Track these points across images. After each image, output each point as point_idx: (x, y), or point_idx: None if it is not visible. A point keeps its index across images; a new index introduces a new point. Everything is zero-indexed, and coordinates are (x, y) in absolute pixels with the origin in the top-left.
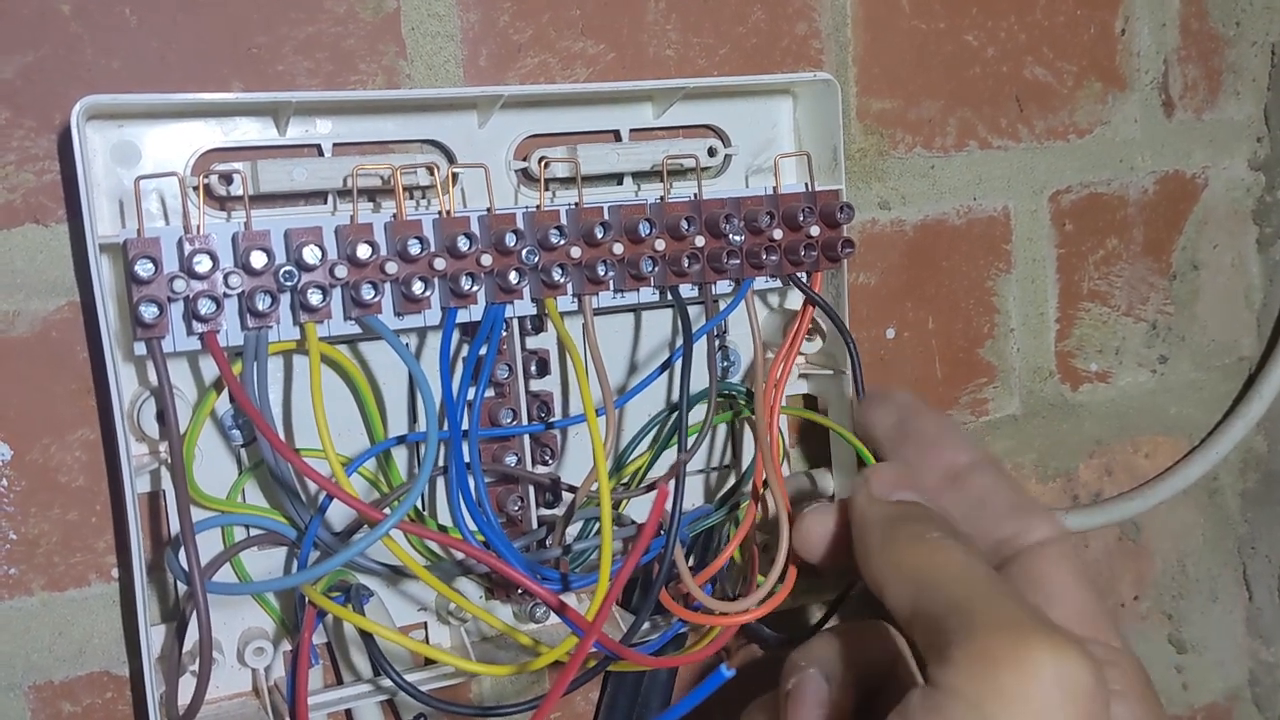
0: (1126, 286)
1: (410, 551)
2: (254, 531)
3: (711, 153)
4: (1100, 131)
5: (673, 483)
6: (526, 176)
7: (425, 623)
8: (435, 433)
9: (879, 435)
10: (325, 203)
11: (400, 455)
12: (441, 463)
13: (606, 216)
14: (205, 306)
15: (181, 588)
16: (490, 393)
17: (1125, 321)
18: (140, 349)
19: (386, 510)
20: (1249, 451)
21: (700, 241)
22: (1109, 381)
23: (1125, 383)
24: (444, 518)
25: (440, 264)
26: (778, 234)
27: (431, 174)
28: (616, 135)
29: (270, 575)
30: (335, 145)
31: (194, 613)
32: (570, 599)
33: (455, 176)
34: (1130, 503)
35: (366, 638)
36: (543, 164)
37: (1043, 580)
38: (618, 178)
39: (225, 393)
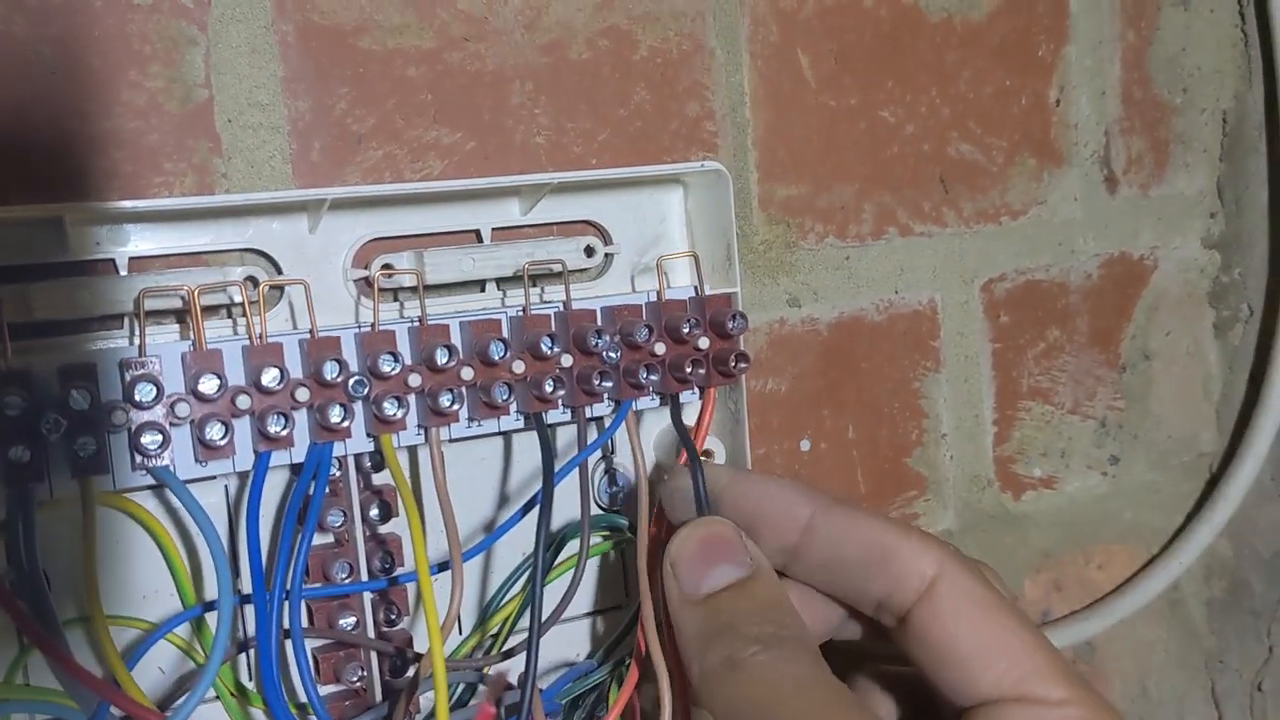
0: (1071, 381)
1: None
2: (39, 719)
3: (589, 252)
4: (1036, 212)
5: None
6: (368, 286)
7: None
8: (229, 599)
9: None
10: (121, 326)
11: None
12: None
13: (455, 335)
14: None
15: None
16: (327, 540)
17: (1071, 420)
18: None
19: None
20: (1213, 557)
21: (567, 361)
22: (1055, 487)
23: (1073, 488)
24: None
25: (244, 402)
26: (659, 349)
27: (243, 291)
28: (478, 235)
29: None
30: (131, 260)
31: None
32: None
33: (282, 291)
34: (1084, 622)
35: None
36: (380, 274)
37: (948, 636)
38: (479, 284)
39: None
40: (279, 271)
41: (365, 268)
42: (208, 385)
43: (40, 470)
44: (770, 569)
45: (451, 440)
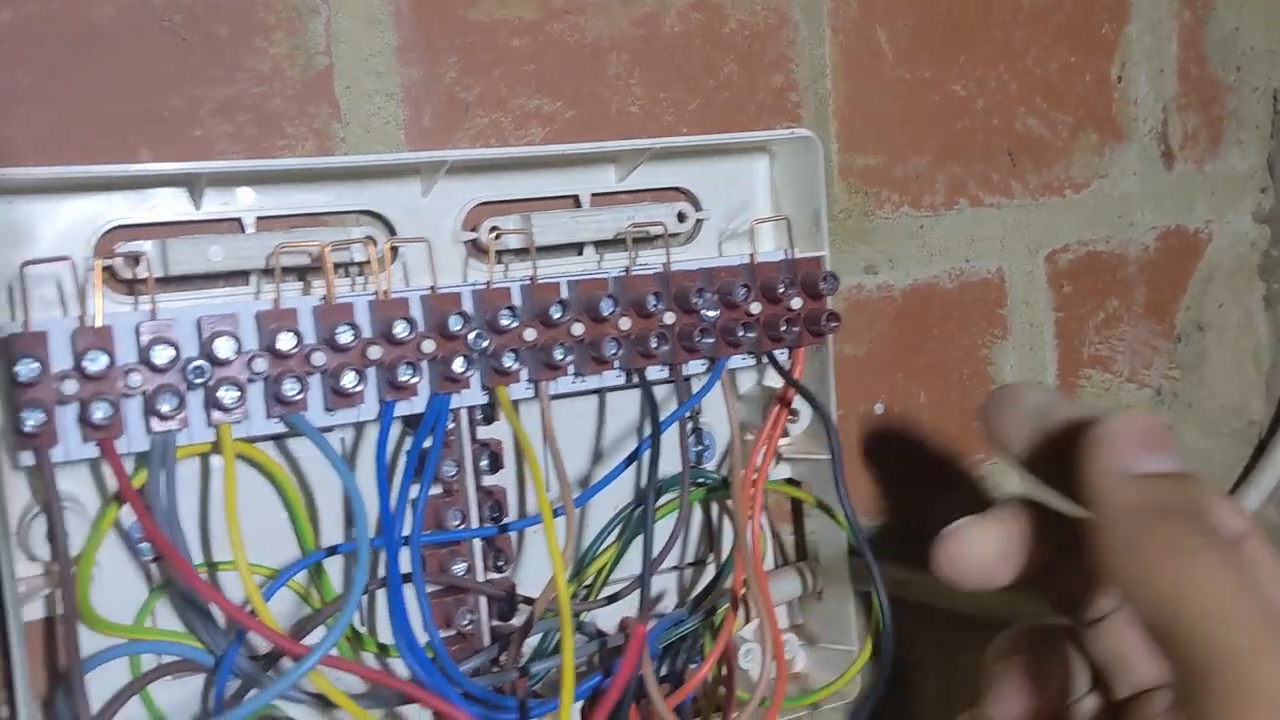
0: (1129, 351)
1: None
2: (166, 659)
3: (681, 218)
4: (1098, 185)
5: (648, 622)
6: (476, 248)
7: None
8: (367, 542)
9: (1017, 453)
10: (248, 283)
11: (337, 564)
12: (381, 573)
13: (564, 293)
14: (99, 411)
15: None
16: (437, 491)
17: (1128, 388)
18: (28, 459)
19: (316, 635)
20: (1261, 522)
21: (669, 319)
22: None
23: None
24: (386, 634)
25: (375, 352)
26: (755, 308)
27: (368, 249)
28: (576, 201)
29: (184, 708)
30: (259, 219)
31: None
32: None
33: (395, 251)
34: None
35: None
36: (494, 235)
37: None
38: (578, 247)
39: None
40: (392, 233)
41: (473, 230)
42: (343, 336)
43: (185, 417)
44: (1205, 476)
45: (555, 398)
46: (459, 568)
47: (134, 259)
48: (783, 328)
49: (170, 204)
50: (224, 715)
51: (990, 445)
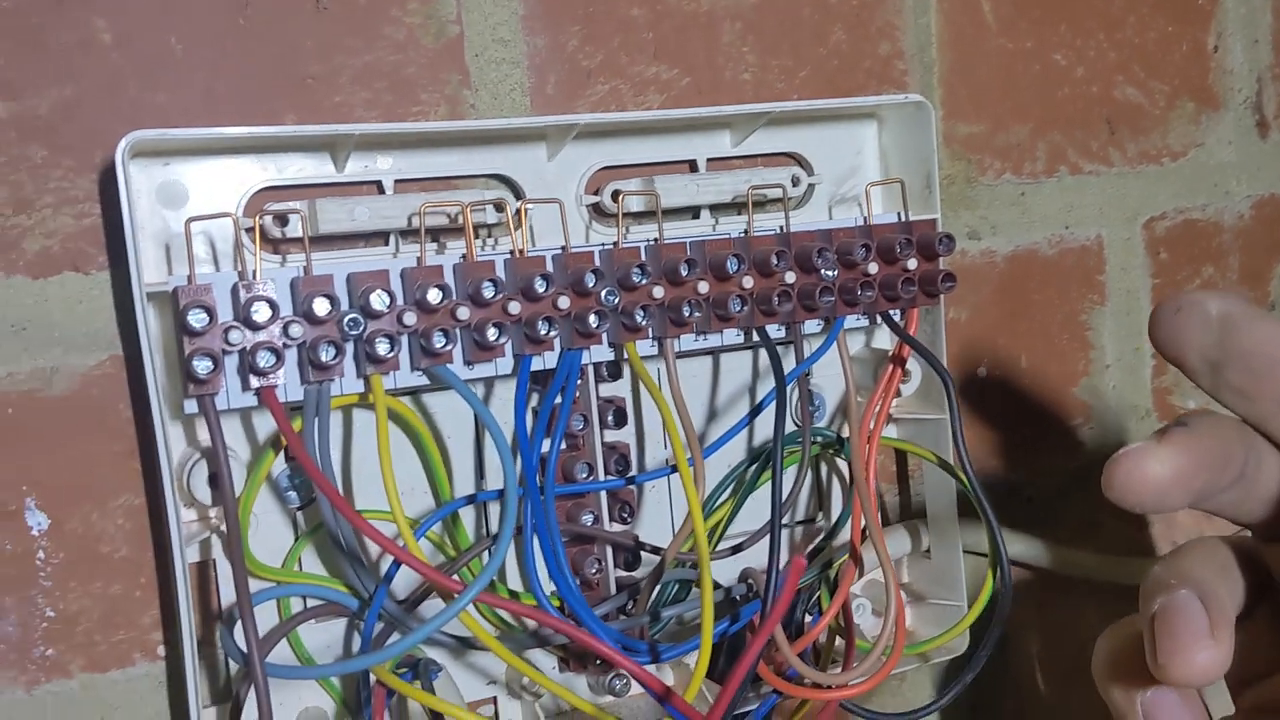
0: None
1: (480, 622)
2: (311, 602)
3: (794, 182)
4: (1194, 154)
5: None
6: (598, 211)
7: (495, 697)
8: (515, 491)
9: (1193, 363)
10: (385, 244)
11: (466, 516)
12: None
13: (690, 252)
14: (264, 359)
15: (234, 666)
16: (562, 445)
17: None
18: (191, 406)
19: (456, 577)
20: None
21: (791, 278)
22: None
23: None
24: (513, 582)
25: (515, 308)
26: (873, 268)
27: (499, 211)
28: (692, 165)
29: (329, 649)
30: (397, 182)
31: (250, 695)
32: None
33: (524, 213)
34: None
35: (436, 718)
36: (619, 198)
37: None
38: (693, 211)
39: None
40: (519, 196)
41: (595, 193)
42: (486, 291)
43: (340, 367)
44: None
45: (678, 355)
46: (586, 519)
47: (282, 219)
48: (899, 288)
49: (314, 167)
50: (384, 651)
51: (1167, 361)
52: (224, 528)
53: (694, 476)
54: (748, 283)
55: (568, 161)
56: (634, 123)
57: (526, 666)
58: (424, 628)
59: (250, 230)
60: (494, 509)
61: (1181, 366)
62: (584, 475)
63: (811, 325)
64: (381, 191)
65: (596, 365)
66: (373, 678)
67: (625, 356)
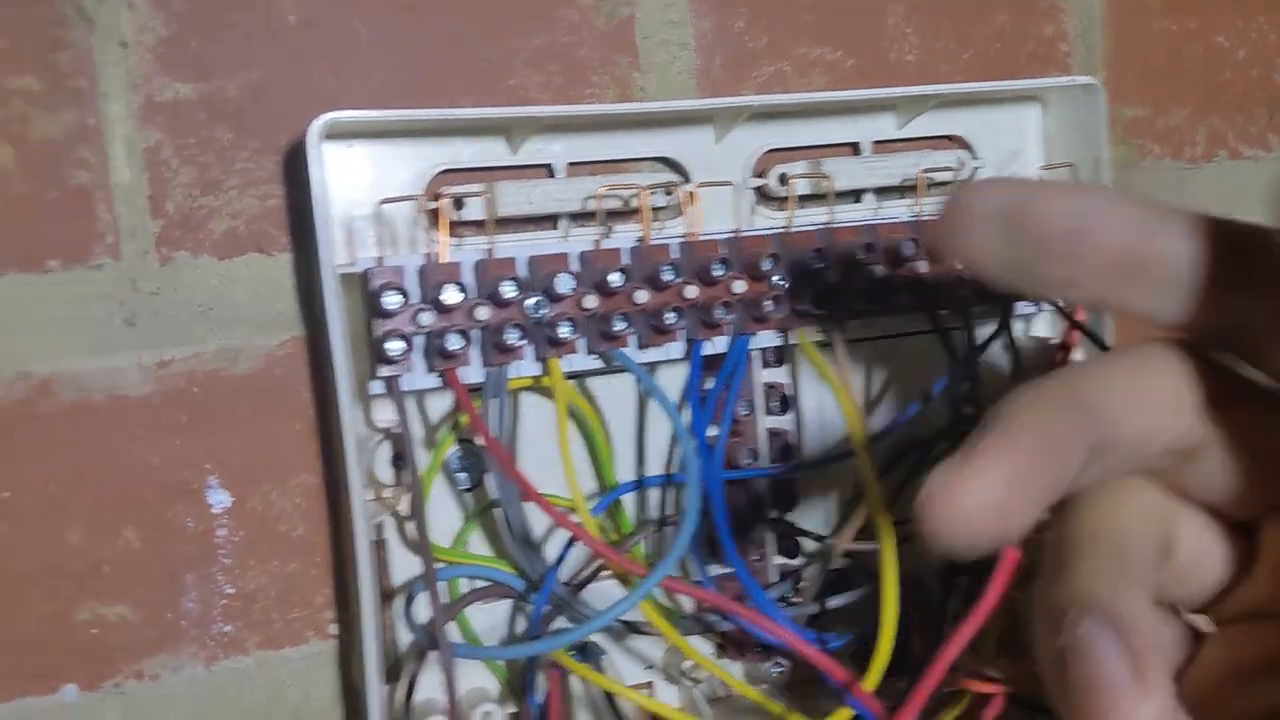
0: None
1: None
2: (478, 584)
3: (960, 165)
4: None
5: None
6: (763, 195)
7: (650, 682)
8: (697, 476)
9: (998, 270)
10: (554, 227)
11: (625, 501)
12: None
13: (864, 236)
14: (453, 342)
15: (402, 646)
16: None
17: None
18: (377, 387)
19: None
20: None
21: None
22: None
23: None
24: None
25: (691, 292)
26: None
27: (668, 194)
28: (855, 148)
29: (493, 630)
30: (568, 165)
31: (423, 674)
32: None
33: (692, 196)
34: None
35: (608, 700)
36: (790, 181)
37: None
38: (855, 195)
39: None
40: (685, 179)
41: (760, 176)
42: (665, 275)
43: (522, 351)
44: None
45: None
46: (747, 505)
47: (458, 201)
48: None
49: (490, 150)
50: (567, 634)
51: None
52: (400, 508)
53: (868, 462)
54: (922, 268)
55: (735, 144)
56: (803, 104)
57: (697, 654)
58: (609, 611)
59: (435, 213)
60: (652, 495)
61: (986, 275)
62: (748, 461)
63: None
64: (552, 175)
65: (762, 350)
66: (545, 660)
67: (792, 342)
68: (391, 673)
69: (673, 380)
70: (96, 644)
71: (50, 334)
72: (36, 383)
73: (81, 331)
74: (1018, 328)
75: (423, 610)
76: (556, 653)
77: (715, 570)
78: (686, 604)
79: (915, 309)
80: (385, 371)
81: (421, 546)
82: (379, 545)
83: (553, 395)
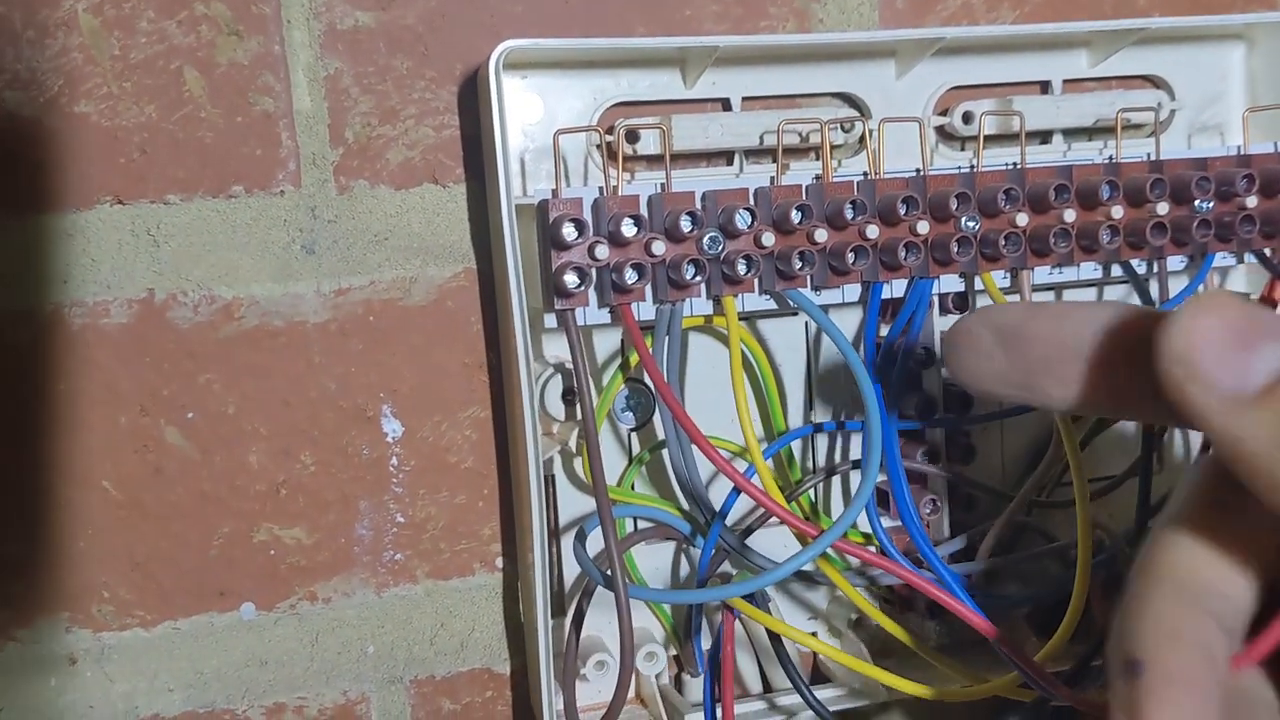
0: None
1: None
2: (642, 525)
3: (1157, 107)
4: None
5: None
6: (945, 134)
7: (815, 632)
8: (878, 425)
9: (1003, 391)
10: (729, 164)
11: (794, 448)
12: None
13: (1058, 177)
14: (631, 276)
15: (568, 582)
16: None
17: None
18: (551, 321)
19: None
20: None
21: (1163, 208)
22: None
23: None
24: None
25: (873, 231)
26: (1252, 201)
27: (846, 131)
28: (1043, 87)
29: (657, 571)
30: (744, 99)
31: (591, 607)
32: None
33: (879, 133)
34: None
35: (776, 644)
36: (977, 119)
37: None
38: (1042, 136)
39: None
40: (866, 116)
41: (943, 114)
42: (847, 213)
43: (698, 288)
44: None
45: (1034, 288)
46: (922, 456)
47: (632, 134)
48: None
49: (664, 83)
50: (746, 583)
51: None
52: (570, 444)
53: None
54: (1117, 212)
55: (917, 80)
56: (991, 39)
57: (868, 605)
58: (785, 565)
59: (609, 145)
60: (820, 442)
61: (994, 397)
62: (922, 411)
63: (1172, 263)
64: (728, 109)
65: (943, 296)
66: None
67: (978, 289)
68: (556, 610)
69: (844, 325)
70: (273, 565)
71: (234, 259)
72: (220, 307)
73: (263, 257)
74: (1214, 281)
75: (590, 548)
76: (738, 601)
77: (887, 523)
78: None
79: (1107, 256)
80: (561, 305)
81: (596, 482)
82: (548, 481)
83: (723, 336)
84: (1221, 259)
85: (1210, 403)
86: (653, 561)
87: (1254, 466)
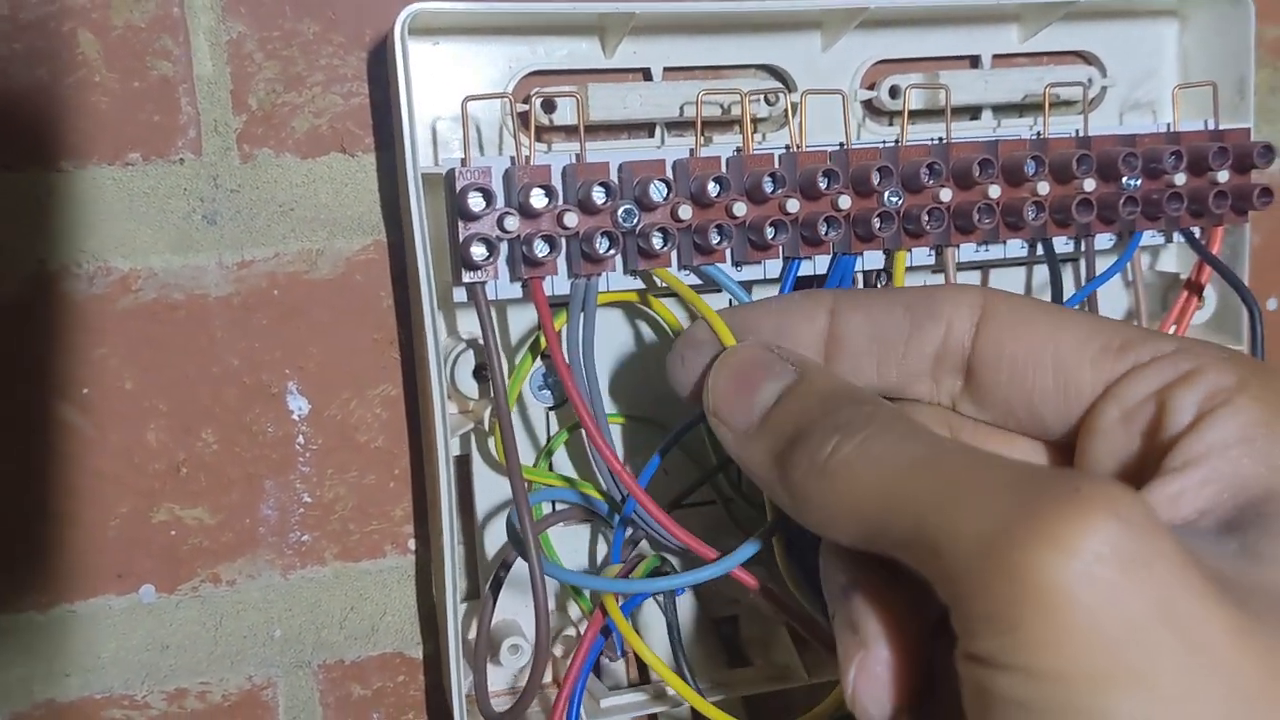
0: None
1: None
2: (560, 506)
3: (1087, 83)
4: None
5: None
6: (871, 108)
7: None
8: None
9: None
10: (650, 135)
11: None
12: None
13: (984, 153)
14: (540, 248)
15: (484, 563)
16: None
17: None
18: (460, 295)
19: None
20: None
21: (1090, 185)
22: None
23: None
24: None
25: (793, 206)
26: (1180, 179)
27: (770, 104)
28: (973, 62)
29: (575, 554)
30: (665, 70)
31: (498, 593)
32: None
33: (802, 106)
34: None
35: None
36: (903, 93)
37: (1027, 348)
38: (972, 111)
39: None
40: (790, 89)
41: (870, 88)
42: (766, 187)
43: (612, 262)
44: (818, 363)
45: (959, 266)
46: None
47: (549, 104)
48: (1210, 202)
49: (583, 51)
50: (636, 583)
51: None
52: (484, 423)
53: None
54: (1043, 189)
55: (844, 52)
56: (920, 11)
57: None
58: (687, 575)
59: (523, 115)
60: None
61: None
62: None
63: (1100, 241)
64: (648, 79)
65: (866, 273)
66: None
67: (911, 264)
68: (470, 592)
69: None
70: (174, 546)
71: (131, 229)
72: (117, 278)
73: (162, 228)
74: (1143, 261)
75: (504, 530)
76: (610, 604)
77: None
78: None
79: (1033, 233)
80: (469, 277)
81: (509, 460)
82: (459, 461)
83: (643, 313)
84: (1151, 237)
85: (729, 438)
86: (572, 543)
87: (761, 482)
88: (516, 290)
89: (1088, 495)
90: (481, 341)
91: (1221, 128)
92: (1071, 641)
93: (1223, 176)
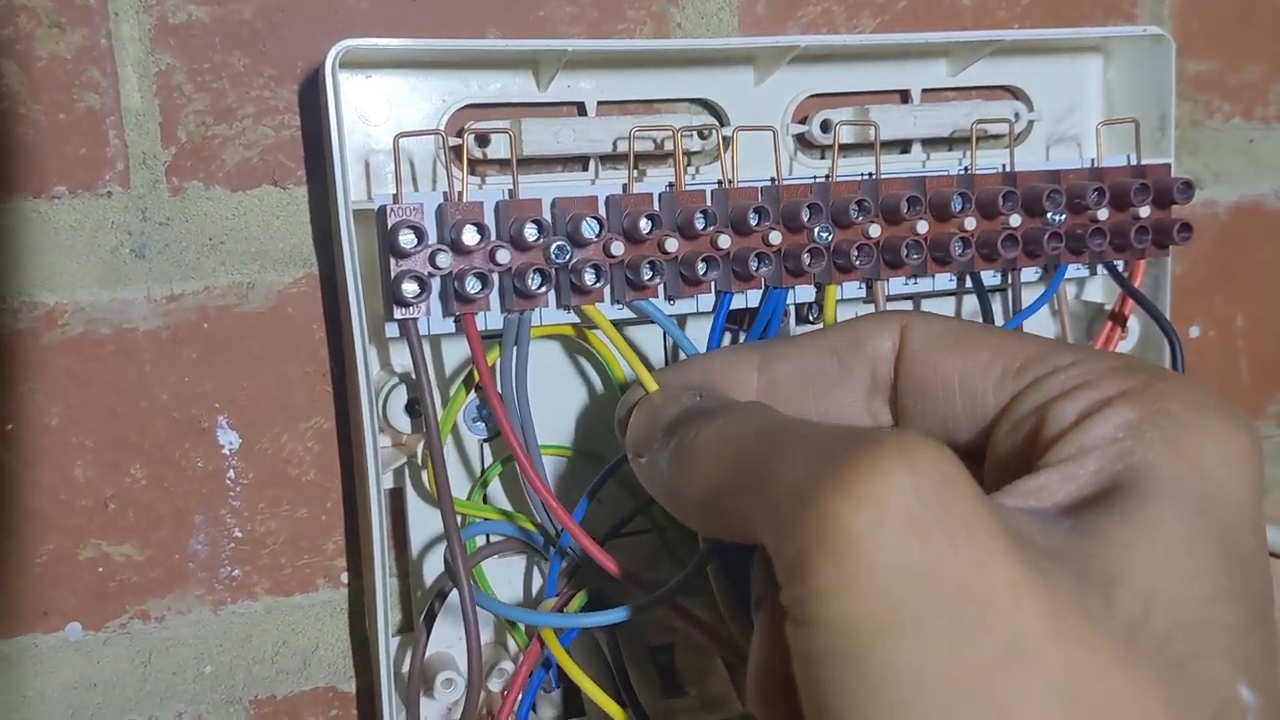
0: None
1: None
2: (494, 538)
3: (1015, 118)
4: None
5: None
6: (803, 142)
7: (672, 643)
8: None
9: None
10: (584, 169)
11: None
12: None
13: (911, 189)
14: (472, 285)
15: (417, 597)
16: None
17: None
18: (392, 330)
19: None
20: None
21: (1016, 220)
22: None
23: None
24: None
25: (724, 242)
26: (1103, 214)
27: (704, 138)
28: (903, 96)
29: (511, 586)
30: (599, 104)
31: (431, 627)
32: None
33: (734, 141)
34: None
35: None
36: (833, 128)
37: (935, 369)
38: (902, 145)
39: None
40: (721, 122)
41: (801, 122)
42: (698, 223)
43: (545, 297)
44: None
45: (889, 298)
46: None
47: (482, 138)
48: (1131, 237)
49: (517, 85)
50: (569, 617)
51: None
52: (417, 457)
53: None
54: (970, 224)
55: (776, 87)
56: (850, 47)
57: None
58: (614, 612)
59: (457, 149)
60: None
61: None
62: None
63: (1026, 274)
64: (583, 113)
65: (799, 306)
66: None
67: (843, 296)
68: (404, 625)
69: (703, 334)
70: (102, 583)
71: (57, 262)
72: (43, 313)
73: (89, 261)
74: (1069, 292)
75: (438, 563)
76: (549, 637)
77: None
78: None
79: (960, 268)
80: (400, 314)
81: (440, 494)
82: (394, 494)
83: (578, 346)
84: (1076, 270)
85: (638, 465)
86: (507, 575)
87: (658, 498)
88: (449, 325)
89: (888, 447)
90: (414, 376)
91: (1143, 163)
92: (853, 588)
93: (1144, 212)
